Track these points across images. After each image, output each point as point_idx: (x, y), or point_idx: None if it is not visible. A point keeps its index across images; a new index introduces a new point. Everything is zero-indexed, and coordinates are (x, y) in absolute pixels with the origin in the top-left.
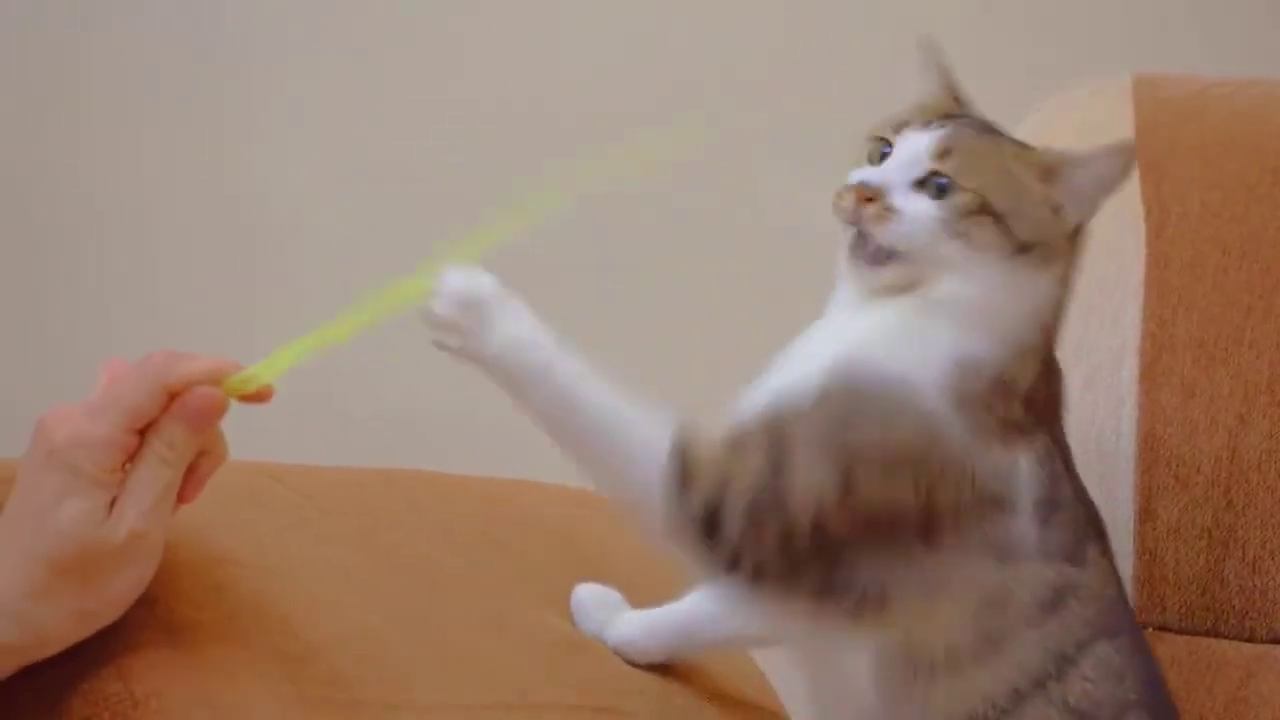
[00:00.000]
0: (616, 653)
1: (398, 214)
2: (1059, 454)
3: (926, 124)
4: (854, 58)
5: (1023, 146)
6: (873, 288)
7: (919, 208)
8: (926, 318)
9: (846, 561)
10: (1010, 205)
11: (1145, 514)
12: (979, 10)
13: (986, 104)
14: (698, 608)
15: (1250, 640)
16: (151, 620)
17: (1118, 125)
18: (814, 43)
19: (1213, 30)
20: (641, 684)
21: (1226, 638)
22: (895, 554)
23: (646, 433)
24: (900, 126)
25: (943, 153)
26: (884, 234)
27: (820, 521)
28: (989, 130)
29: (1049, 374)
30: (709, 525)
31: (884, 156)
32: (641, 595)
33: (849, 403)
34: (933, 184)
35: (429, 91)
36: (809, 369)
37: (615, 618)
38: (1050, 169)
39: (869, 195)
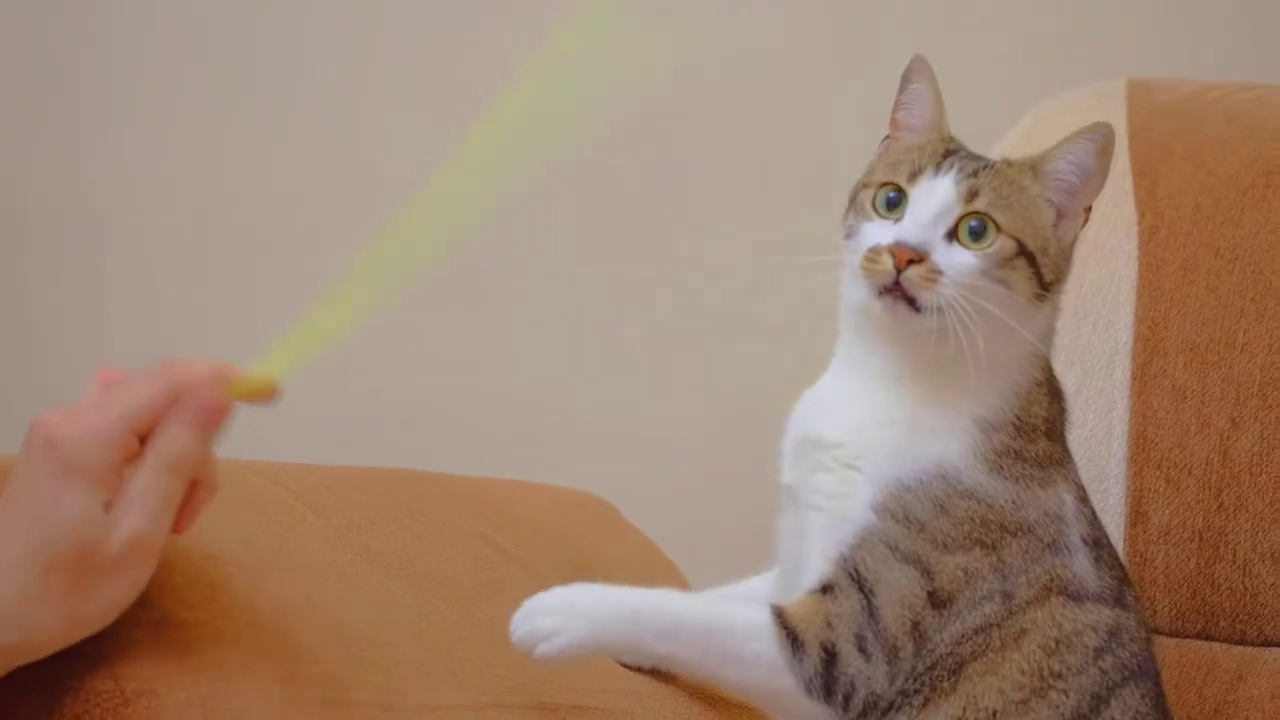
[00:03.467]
0: None
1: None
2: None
3: (938, 166)
4: (846, 62)
5: (1009, 160)
6: (914, 332)
7: (961, 262)
8: (940, 391)
9: (933, 644)
10: (1038, 243)
11: (1136, 517)
12: (972, 15)
13: (979, 110)
14: None
15: (1241, 643)
16: (144, 618)
17: None
18: (805, 49)
19: (1207, 34)
20: (634, 684)
21: (1217, 640)
22: (977, 617)
23: (746, 620)
24: (914, 174)
25: (972, 195)
26: (932, 297)
27: (916, 622)
28: (980, 156)
29: (1054, 395)
30: (829, 675)
31: (891, 203)
32: None
33: (902, 510)
34: (966, 228)
35: (428, 94)
36: (853, 491)
37: None
38: (1035, 165)
39: (911, 258)
